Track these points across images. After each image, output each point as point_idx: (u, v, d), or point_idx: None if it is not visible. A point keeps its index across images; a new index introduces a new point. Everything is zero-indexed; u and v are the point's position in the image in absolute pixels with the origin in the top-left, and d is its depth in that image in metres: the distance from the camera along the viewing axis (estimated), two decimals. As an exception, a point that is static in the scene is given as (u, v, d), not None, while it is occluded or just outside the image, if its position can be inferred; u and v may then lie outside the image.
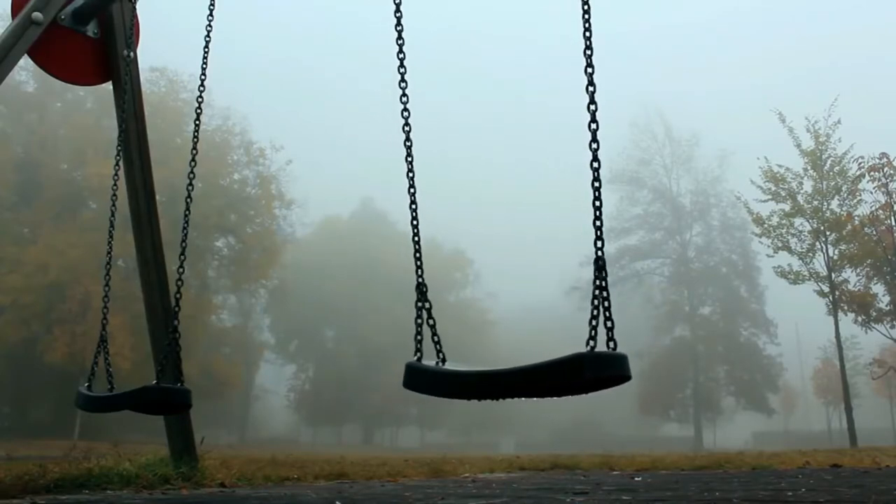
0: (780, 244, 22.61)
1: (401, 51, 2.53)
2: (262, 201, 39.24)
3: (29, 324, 29.71)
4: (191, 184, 3.55)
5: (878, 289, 22.32)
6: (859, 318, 22.17)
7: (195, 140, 3.66)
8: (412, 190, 2.42)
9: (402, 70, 2.52)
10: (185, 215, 3.57)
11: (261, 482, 4.64)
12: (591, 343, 1.79)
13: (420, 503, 3.11)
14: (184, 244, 3.52)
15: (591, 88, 1.97)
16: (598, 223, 1.89)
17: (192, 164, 3.58)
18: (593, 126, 1.95)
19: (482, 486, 4.28)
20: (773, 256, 22.99)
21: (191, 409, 3.75)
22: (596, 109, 1.97)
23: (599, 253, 1.86)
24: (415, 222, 2.41)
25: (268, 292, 44.57)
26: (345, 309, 53.67)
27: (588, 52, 2.01)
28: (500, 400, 1.99)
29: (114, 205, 3.99)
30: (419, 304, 2.23)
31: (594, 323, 1.80)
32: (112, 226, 3.95)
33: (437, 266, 54.49)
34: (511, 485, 4.45)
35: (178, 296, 3.44)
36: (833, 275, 21.92)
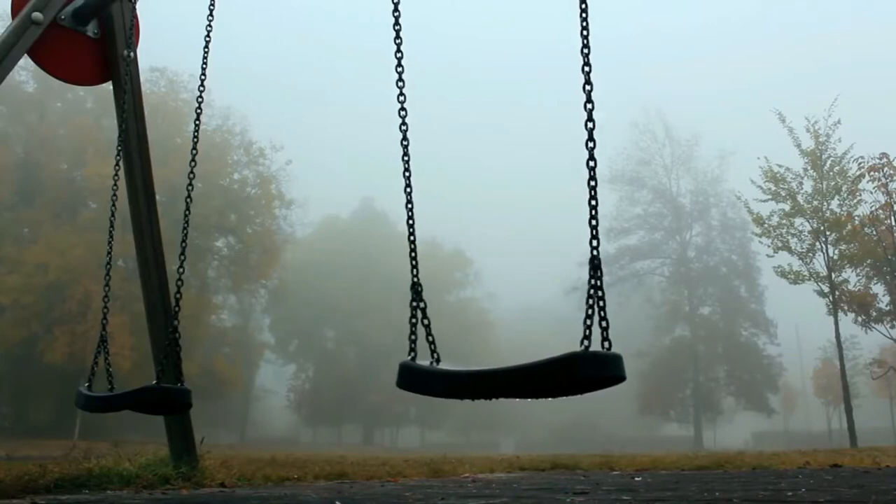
0: (780, 244, 22.61)
1: (398, 50, 2.52)
2: (262, 201, 39.29)
3: (29, 324, 29.71)
4: (191, 184, 3.55)
5: (878, 289, 22.35)
6: (859, 318, 22.20)
7: (195, 140, 3.67)
8: (409, 189, 2.42)
9: (399, 69, 2.51)
10: (185, 215, 3.57)
11: (261, 482, 4.64)
12: (586, 343, 1.78)
13: (420, 503, 3.11)
14: (184, 244, 3.53)
15: (587, 87, 1.97)
16: (593, 221, 1.90)
17: (192, 164, 3.59)
18: (590, 125, 1.95)
19: (482, 486, 4.28)
20: (773, 256, 23.02)
21: (191, 409, 3.75)
22: (592, 108, 1.97)
23: (595, 252, 1.86)
24: (411, 221, 2.38)
25: (268, 292, 44.58)
26: (345, 309, 53.62)
27: (585, 50, 2.00)
28: (495, 399, 1.97)
29: (114, 205, 3.98)
30: (414, 303, 2.22)
31: (588, 322, 1.80)
32: (112, 226, 3.95)
33: (437, 266, 54.44)
34: (511, 485, 4.45)
35: (178, 296, 3.45)
36: (833, 275, 21.92)
